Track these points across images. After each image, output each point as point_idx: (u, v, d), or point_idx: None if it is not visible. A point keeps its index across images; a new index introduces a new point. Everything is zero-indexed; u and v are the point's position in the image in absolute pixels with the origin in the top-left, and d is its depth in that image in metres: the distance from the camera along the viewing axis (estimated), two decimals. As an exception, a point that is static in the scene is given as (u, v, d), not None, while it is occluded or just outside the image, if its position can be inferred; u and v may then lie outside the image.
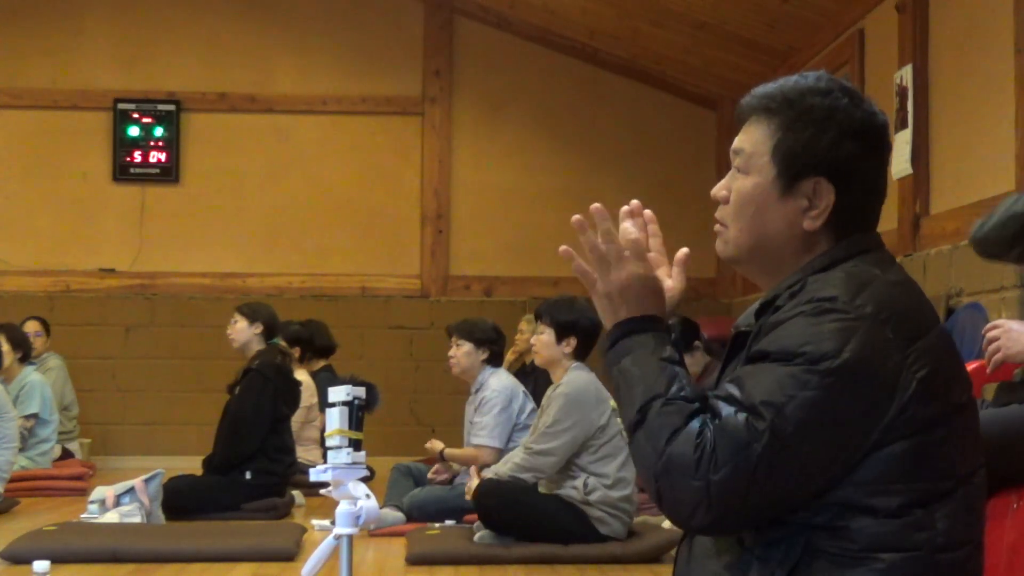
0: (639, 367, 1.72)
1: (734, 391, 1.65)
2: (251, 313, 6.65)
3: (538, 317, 5.32)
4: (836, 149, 1.76)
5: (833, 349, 1.62)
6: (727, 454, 1.59)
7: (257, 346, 6.60)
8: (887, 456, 1.63)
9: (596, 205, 1.76)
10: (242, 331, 6.61)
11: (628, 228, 1.80)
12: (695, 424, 1.63)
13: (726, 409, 1.63)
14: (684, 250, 1.85)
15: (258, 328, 6.60)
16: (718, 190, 1.86)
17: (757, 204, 1.80)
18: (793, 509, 1.65)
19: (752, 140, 1.82)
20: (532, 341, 5.48)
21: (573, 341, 5.19)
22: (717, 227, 1.86)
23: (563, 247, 1.83)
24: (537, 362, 5.63)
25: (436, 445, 6.08)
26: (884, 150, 1.82)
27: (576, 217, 1.79)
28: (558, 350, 5.21)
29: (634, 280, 1.76)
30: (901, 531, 1.62)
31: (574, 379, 5.13)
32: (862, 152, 1.77)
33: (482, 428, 5.92)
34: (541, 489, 5.09)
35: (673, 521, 1.70)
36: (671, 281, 1.91)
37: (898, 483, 1.63)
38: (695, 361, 6.29)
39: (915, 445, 1.63)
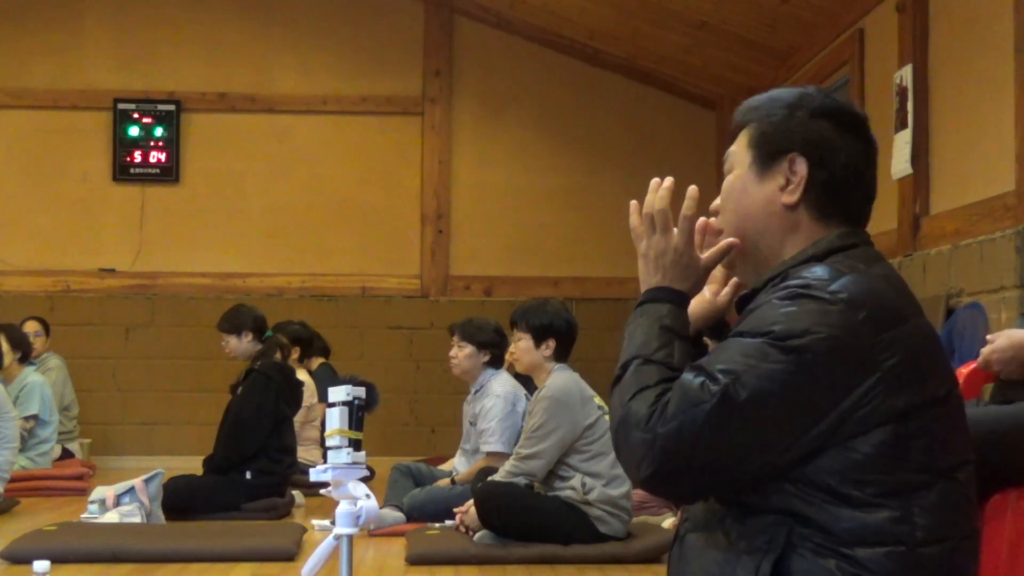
0: (641, 329, 1.81)
1: (702, 361, 1.73)
2: (233, 327, 6.60)
3: (513, 325, 5.27)
4: (807, 126, 1.85)
5: (801, 329, 1.67)
6: (675, 409, 1.66)
7: (255, 348, 6.59)
8: (861, 445, 1.65)
9: (669, 178, 1.90)
10: (234, 346, 6.61)
11: (686, 206, 1.89)
12: (663, 386, 1.71)
13: (688, 374, 1.70)
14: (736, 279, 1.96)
15: (247, 336, 6.60)
16: (713, 205, 1.96)
17: (739, 190, 1.90)
18: (745, 483, 1.69)
19: (738, 142, 1.93)
20: (511, 350, 5.44)
21: (552, 343, 5.17)
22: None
23: (633, 201, 1.93)
24: (519, 369, 5.57)
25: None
26: (860, 132, 1.87)
27: (655, 180, 1.91)
28: (538, 354, 5.19)
29: (671, 250, 1.86)
30: (881, 524, 1.65)
31: (557, 381, 5.11)
32: (834, 130, 1.85)
33: (491, 435, 5.90)
34: (538, 490, 5.08)
35: (627, 474, 1.77)
36: (708, 293, 1.98)
37: (874, 473, 1.65)
38: None
39: (889, 436, 1.66)
